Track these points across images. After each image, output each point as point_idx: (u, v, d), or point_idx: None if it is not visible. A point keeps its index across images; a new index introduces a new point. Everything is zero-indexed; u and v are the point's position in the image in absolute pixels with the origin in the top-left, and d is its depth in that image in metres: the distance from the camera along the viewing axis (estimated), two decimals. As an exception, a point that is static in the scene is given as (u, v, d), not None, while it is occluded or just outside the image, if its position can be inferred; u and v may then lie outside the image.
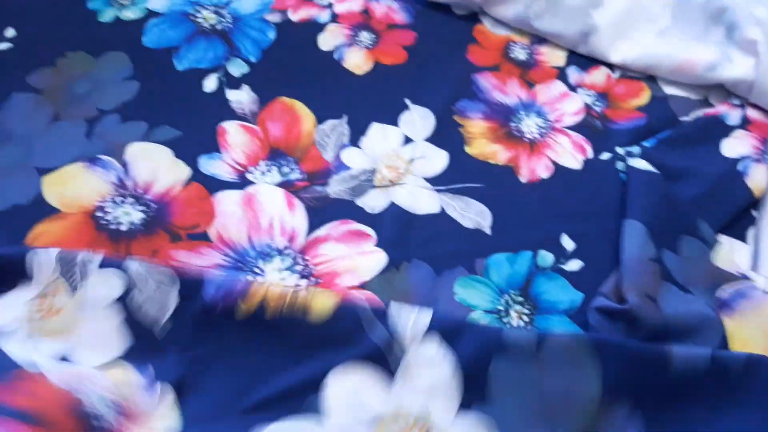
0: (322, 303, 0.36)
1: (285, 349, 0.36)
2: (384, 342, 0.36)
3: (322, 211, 0.44)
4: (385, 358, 0.36)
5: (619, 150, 0.51)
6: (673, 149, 0.50)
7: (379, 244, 0.43)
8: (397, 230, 0.44)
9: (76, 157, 0.44)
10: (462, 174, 0.48)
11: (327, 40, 0.55)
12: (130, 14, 0.54)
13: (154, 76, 0.50)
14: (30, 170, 0.44)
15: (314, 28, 0.56)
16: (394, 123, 0.50)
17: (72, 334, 0.36)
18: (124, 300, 0.36)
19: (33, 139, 0.46)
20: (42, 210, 0.42)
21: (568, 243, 0.45)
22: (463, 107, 0.52)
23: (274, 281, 0.40)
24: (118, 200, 0.43)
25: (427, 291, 0.41)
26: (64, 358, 0.35)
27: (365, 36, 0.56)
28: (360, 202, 0.45)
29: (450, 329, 0.36)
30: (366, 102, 0.51)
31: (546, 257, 0.44)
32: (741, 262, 0.46)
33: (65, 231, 0.41)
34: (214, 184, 0.45)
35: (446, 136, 0.50)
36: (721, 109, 0.53)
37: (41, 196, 0.42)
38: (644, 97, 0.55)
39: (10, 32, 0.52)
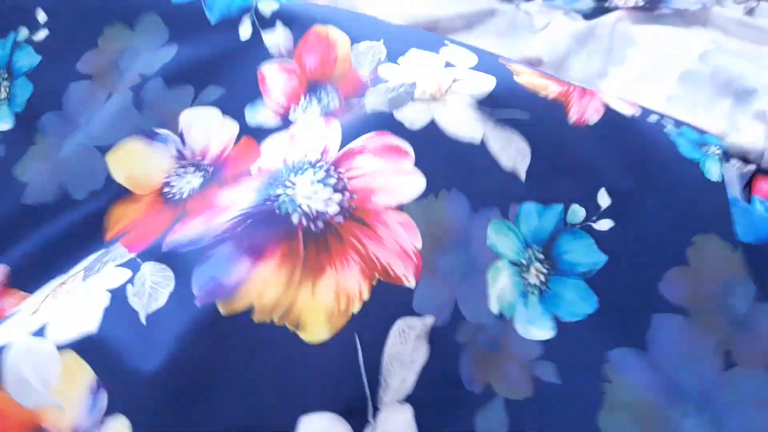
0: (318, 321, 0.34)
1: (264, 369, 0.34)
2: (358, 401, 0.34)
3: (357, 123, 0.41)
4: (355, 417, 0.34)
5: (668, 120, 0.47)
6: None
7: (417, 165, 0.40)
8: (436, 154, 0.40)
9: (131, 131, 0.46)
10: (509, 100, 0.43)
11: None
12: None
13: (190, 34, 0.49)
14: (92, 151, 0.46)
15: None
16: (435, 51, 0.46)
17: (57, 311, 0.35)
18: (116, 291, 0.35)
19: (91, 121, 0.47)
20: (116, 190, 0.44)
21: (603, 199, 0.42)
22: (508, 59, 0.48)
23: (306, 193, 0.38)
24: (180, 172, 0.45)
25: (462, 228, 0.39)
26: (40, 331, 0.34)
27: None
28: (399, 115, 0.41)
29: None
30: (403, 35, 0.48)
31: (576, 213, 0.42)
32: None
33: (139, 212, 0.43)
34: (261, 134, 0.44)
35: (492, 67, 0.45)
36: None
37: (111, 177, 0.45)
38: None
39: (41, 16, 0.51)
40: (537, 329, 0.39)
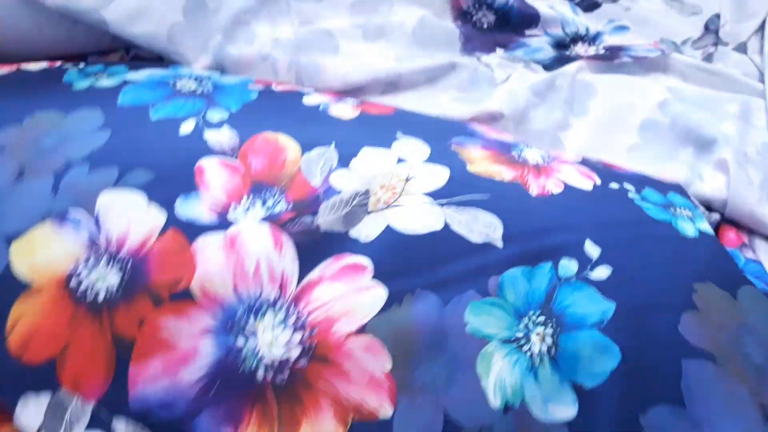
0: None
1: None
2: None
3: (314, 248, 0.39)
4: None
5: (629, 185, 0.46)
6: None
7: (376, 276, 0.38)
8: (396, 257, 0.39)
9: (43, 215, 0.41)
10: (466, 187, 0.42)
11: (311, 98, 0.53)
12: (106, 83, 0.52)
13: (128, 125, 0.46)
14: None
15: (299, 92, 0.54)
16: (387, 147, 0.46)
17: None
18: None
19: (2, 205, 0.42)
20: (14, 285, 0.38)
21: (592, 249, 0.39)
22: (460, 141, 0.48)
23: (267, 341, 0.37)
24: (91, 263, 0.39)
25: (434, 327, 0.36)
26: None
27: (350, 100, 0.54)
28: (354, 232, 0.40)
29: None
30: (355, 135, 0.47)
31: (569, 266, 0.38)
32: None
33: (42, 311, 0.38)
34: (192, 230, 0.40)
35: (445, 158, 0.45)
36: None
37: (10, 270, 0.39)
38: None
39: None
40: (557, 406, 0.34)
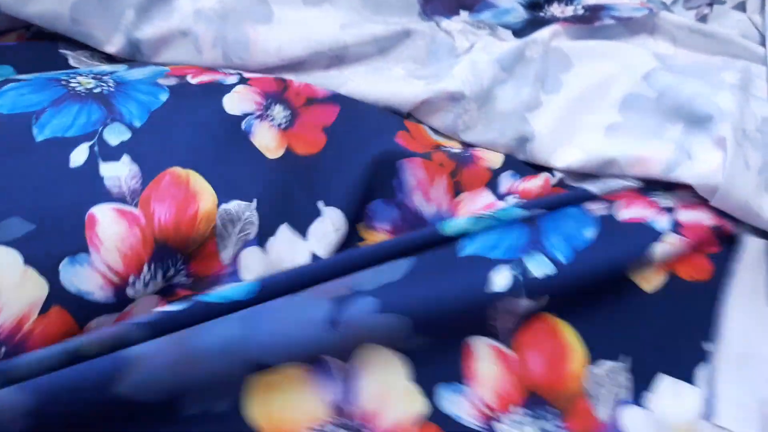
0: None
1: None
2: None
3: None
4: None
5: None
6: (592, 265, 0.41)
7: None
8: None
9: None
10: None
11: (234, 103, 0.44)
12: None
13: (5, 151, 0.38)
14: None
15: (219, 89, 0.45)
16: (303, 233, 0.41)
17: None
18: None
19: None
20: None
21: None
22: (374, 211, 0.44)
23: None
24: None
25: None
26: None
27: (279, 110, 0.46)
28: None
29: None
30: (278, 192, 0.41)
31: None
32: (688, 408, 0.38)
33: None
34: (83, 309, 0.33)
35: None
36: (646, 214, 0.45)
37: None
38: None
39: None
40: None
